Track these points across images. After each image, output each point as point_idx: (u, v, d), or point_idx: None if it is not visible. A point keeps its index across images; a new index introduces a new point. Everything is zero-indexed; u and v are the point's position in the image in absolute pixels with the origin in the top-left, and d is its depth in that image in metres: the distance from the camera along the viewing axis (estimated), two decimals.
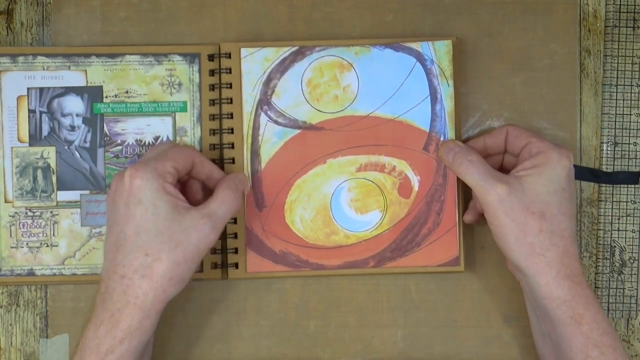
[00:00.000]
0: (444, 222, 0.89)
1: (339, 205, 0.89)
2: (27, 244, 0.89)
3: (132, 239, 0.78)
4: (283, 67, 0.89)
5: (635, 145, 0.91)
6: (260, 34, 0.91)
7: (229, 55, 0.89)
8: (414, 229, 0.89)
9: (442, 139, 0.89)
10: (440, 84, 0.89)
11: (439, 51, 0.89)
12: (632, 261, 0.91)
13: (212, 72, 0.89)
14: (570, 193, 0.82)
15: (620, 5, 0.92)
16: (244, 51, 0.89)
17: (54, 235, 0.89)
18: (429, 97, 0.89)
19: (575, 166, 0.85)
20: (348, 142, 0.89)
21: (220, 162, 0.89)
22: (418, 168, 0.89)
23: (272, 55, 0.89)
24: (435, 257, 0.89)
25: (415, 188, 0.89)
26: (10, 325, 0.90)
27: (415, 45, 0.89)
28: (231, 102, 0.89)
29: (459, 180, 0.88)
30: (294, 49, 0.89)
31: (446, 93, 0.89)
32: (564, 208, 0.81)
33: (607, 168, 0.91)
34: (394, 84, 0.89)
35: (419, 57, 0.89)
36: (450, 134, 0.89)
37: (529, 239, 0.80)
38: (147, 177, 0.78)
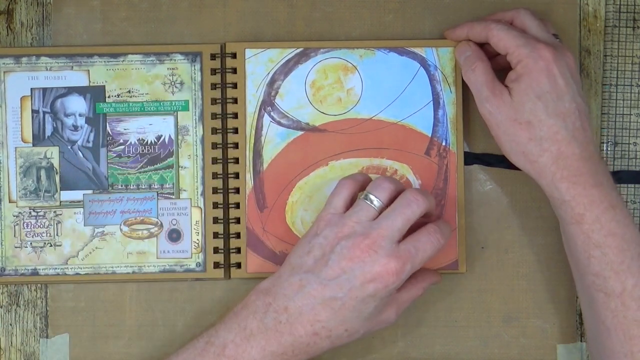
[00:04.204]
0: None
1: None
2: (30, 243, 0.89)
3: (346, 313, 0.79)
4: (287, 68, 0.89)
5: (635, 145, 0.92)
6: (260, 33, 0.91)
7: (234, 55, 0.89)
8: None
9: (444, 144, 0.89)
10: (443, 89, 0.89)
11: (443, 57, 0.89)
12: None
13: (213, 71, 0.89)
14: (558, 92, 0.81)
15: (620, 5, 0.92)
16: (248, 52, 0.89)
17: (57, 235, 0.89)
18: (431, 102, 0.89)
19: None
20: (350, 144, 0.89)
21: (223, 162, 0.89)
22: (419, 172, 0.89)
23: (277, 56, 0.89)
24: (435, 260, 0.88)
25: None
26: (11, 325, 0.90)
27: (419, 50, 0.89)
28: (236, 102, 0.89)
29: (459, 185, 0.89)
30: (298, 50, 0.89)
31: (449, 99, 0.89)
32: (551, 110, 0.80)
33: None
34: (397, 87, 0.89)
35: (423, 62, 0.89)
36: (452, 139, 0.89)
37: (521, 147, 0.81)
38: (397, 284, 0.79)
